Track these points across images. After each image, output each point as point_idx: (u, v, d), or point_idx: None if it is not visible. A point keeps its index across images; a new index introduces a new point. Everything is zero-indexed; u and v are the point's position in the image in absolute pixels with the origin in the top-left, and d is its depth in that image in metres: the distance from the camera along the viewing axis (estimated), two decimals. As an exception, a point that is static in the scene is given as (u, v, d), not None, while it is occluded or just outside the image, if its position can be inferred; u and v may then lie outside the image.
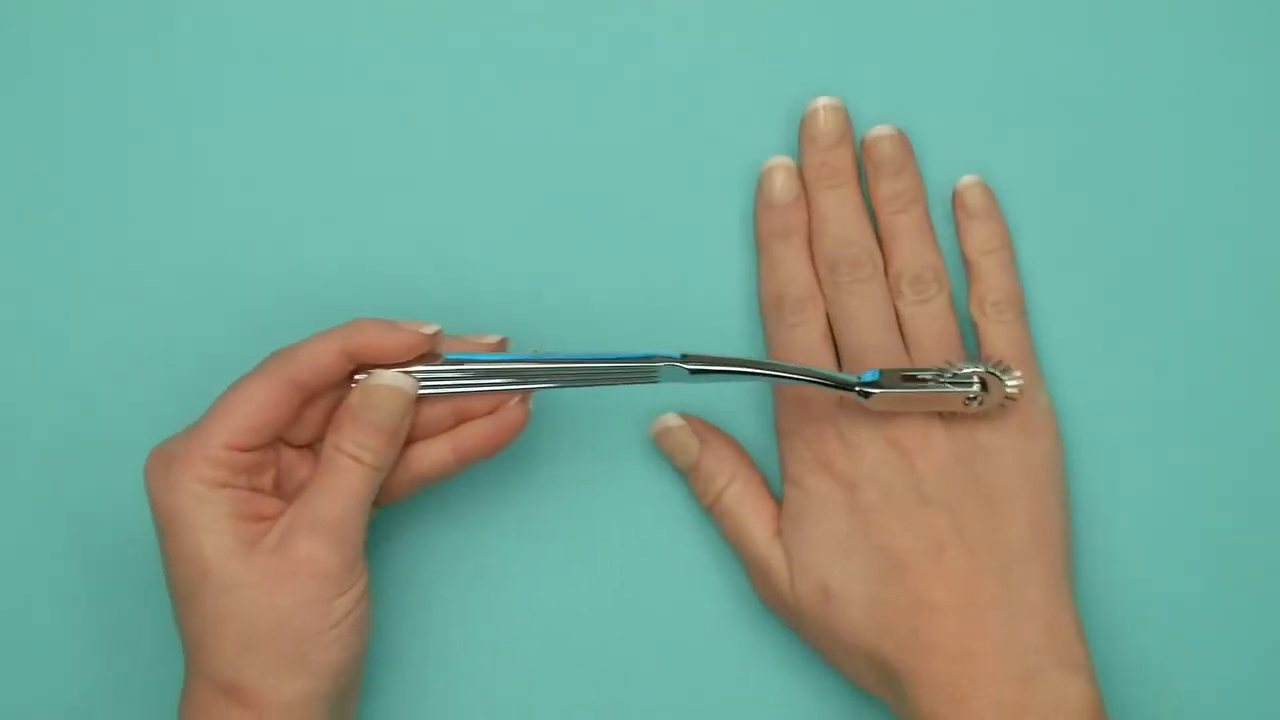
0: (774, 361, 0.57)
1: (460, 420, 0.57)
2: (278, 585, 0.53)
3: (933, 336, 0.59)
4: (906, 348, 0.59)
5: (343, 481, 0.54)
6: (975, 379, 0.57)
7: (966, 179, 0.61)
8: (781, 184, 0.60)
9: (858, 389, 0.56)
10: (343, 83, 0.62)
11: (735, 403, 0.61)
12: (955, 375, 0.57)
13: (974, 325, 0.60)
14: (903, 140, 0.61)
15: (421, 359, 0.56)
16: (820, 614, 0.57)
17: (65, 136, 0.62)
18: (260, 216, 0.62)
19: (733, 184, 0.62)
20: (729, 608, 0.61)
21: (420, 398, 0.56)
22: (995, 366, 0.57)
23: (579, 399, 0.61)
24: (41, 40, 0.62)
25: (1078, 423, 0.61)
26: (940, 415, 0.57)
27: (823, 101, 0.61)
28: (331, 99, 0.62)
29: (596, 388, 0.57)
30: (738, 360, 0.56)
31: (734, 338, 0.62)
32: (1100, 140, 0.62)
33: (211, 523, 0.53)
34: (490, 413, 0.57)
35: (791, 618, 0.58)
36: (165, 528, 0.53)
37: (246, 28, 0.62)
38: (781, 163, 0.61)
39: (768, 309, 0.60)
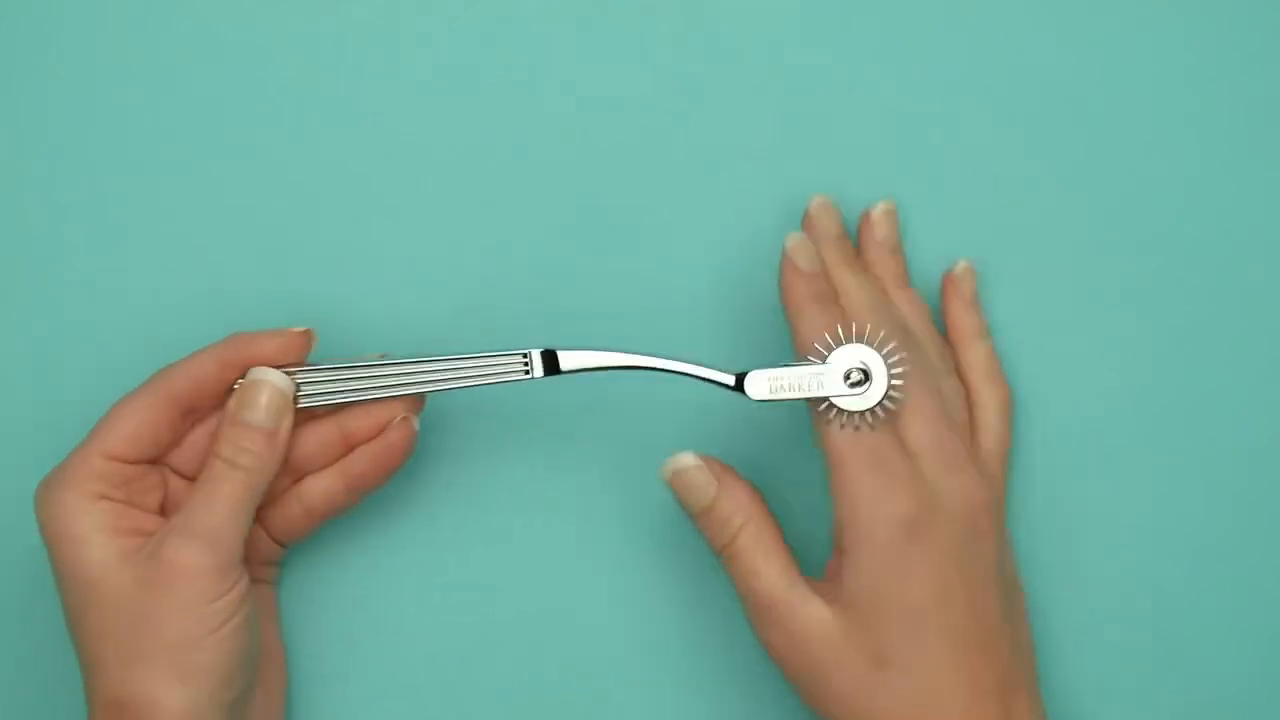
0: (648, 355, 0.56)
1: (349, 449, 0.57)
2: (152, 592, 0.53)
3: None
4: None
5: (217, 486, 0.55)
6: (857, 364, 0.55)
7: (962, 264, 0.62)
8: (809, 256, 0.59)
9: (735, 382, 0.56)
10: (336, 86, 0.62)
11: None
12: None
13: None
14: (895, 216, 0.62)
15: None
16: (856, 676, 0.55)
17: (47, 141, 0.62)
18: (248, 219, 0.62)
19: (726, 188, 0.62)
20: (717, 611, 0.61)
21: (301, 410, 0.56)
22: (874, 343, 0.55)
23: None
24: (26, 42, 0.62)
25: (1079, 425, 0.62)
26: None
27: (817, 201, 0.61)
28: (324, 102, 0.62)
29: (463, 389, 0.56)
30: (611, 353, 0.56)
31: (725, 344, 0.62)
32: (1101, 143, 0.62)
33: (91, 535, 0.54)
34: (375, 436, 0.57)
35: (802, 663, 0.56)
36: (50, 543, 0.54)
37: (240, 32, 0.62)
38: (804, 239, 0.59)
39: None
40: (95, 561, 0.53)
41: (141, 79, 0.62)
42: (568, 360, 0.56)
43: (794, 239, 0.58)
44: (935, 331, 0.61)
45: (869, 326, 0.56)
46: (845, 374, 0.55)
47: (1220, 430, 0.62)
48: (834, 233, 0.61)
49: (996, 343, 0.61)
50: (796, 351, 0.57)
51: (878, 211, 0.61)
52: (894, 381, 0.55)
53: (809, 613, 0.55)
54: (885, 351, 0.55)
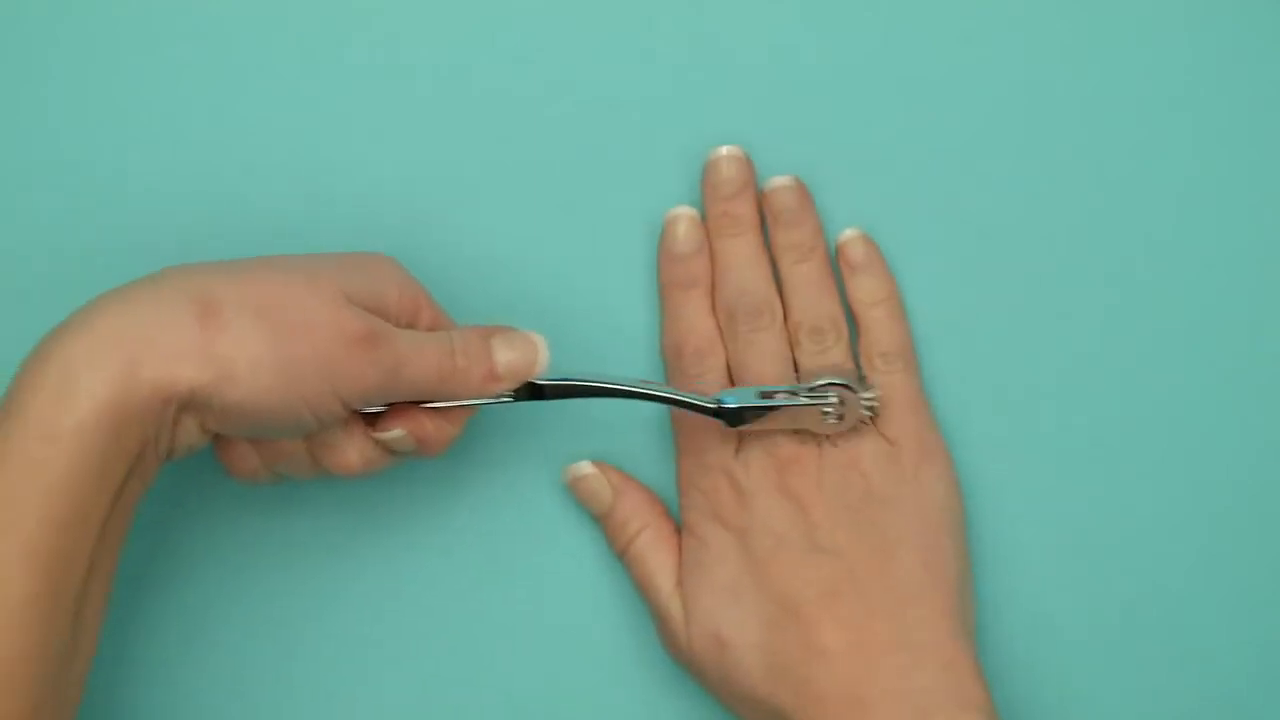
0: (631, 383, 0.57)
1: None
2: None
3: None
4: None
5: None
6: (831, 393, 0.57)
7: (847, 232, 0.61)
8: (684, 234, 0.60)
9: (717, 410, 0.57)
10: (335, 85, 0.62)
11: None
12: (811, 389, 0.57)
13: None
14: (801, 190, 0.61)
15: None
16: (716, 663, 0.57)
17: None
18: (248, 221, 0.62)
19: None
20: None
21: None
22: (849, 377, 0.57)
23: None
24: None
25: (1077, 424, 0.62)
26: (831, 460, 0.58)
27: (724, 151, 0.61)
28: (323, 103, 0.62)
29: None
30: (594, 381, 0.57)
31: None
32: (1099, 142, 0.62)
33: None
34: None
35: (691, 668, 0.59)
36: None
37: (240, 32, 0.62)
38: (684, 213, 0.61)
39: (669, 358, 0.61)
40: None
41: (142, 79, 0.62)
42: (550, 389, 0.57)
43: (670, 216, 0.60)
44: (821, 310, 0.60)
45: (850, 368, 0.58)
46: (823, 412, 0.57)
47: (1220, 430, 0.62)
48: (729, 191, 0.60)
49: (996, 342, 0.62)
50: (662, 336, 0.60)
51: (775, 184, 0.61)
52: (865, 411, 0.57)
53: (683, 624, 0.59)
54: (861, 385, 0.57)
